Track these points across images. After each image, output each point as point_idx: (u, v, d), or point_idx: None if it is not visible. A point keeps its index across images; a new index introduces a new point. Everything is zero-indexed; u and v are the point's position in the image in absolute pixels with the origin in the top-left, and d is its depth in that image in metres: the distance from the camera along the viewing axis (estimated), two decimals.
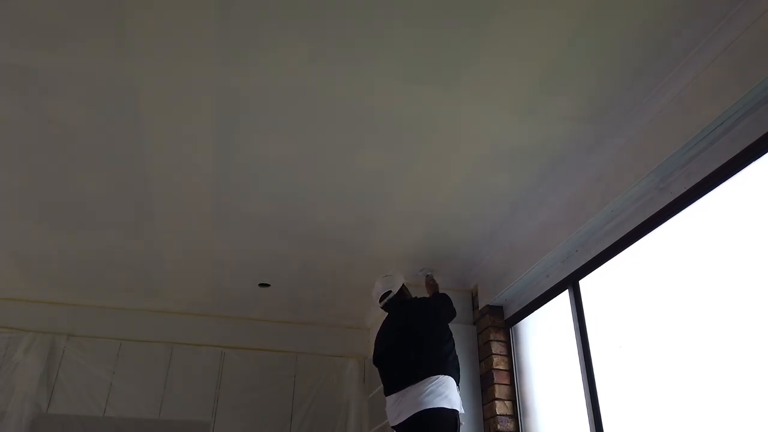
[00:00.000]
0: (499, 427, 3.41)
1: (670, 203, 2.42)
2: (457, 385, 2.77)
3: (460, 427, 2.66)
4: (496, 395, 3.51)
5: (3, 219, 3.48)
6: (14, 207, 3.34)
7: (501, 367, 3.62)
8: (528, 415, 3.43)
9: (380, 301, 3.20)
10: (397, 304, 3.14)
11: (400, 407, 2.66)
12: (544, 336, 3.42)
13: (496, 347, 3.69)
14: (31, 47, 2.21)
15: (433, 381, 2.62)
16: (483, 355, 3.75)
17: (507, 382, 3.58)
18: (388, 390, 2.80)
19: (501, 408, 3.47)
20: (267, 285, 4.39)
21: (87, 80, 2.37)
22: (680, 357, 2.32)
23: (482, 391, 3.65)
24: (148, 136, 2.72)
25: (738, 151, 2.10)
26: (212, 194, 3.18)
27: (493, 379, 3.57)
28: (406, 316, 3.03)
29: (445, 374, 2.68)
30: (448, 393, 2.62)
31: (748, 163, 2.09)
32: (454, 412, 2.61)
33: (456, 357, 2.89)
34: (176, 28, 2.12)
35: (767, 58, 1.90)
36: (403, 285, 3.22)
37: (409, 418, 2.58)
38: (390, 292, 3.15)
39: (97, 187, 3.12)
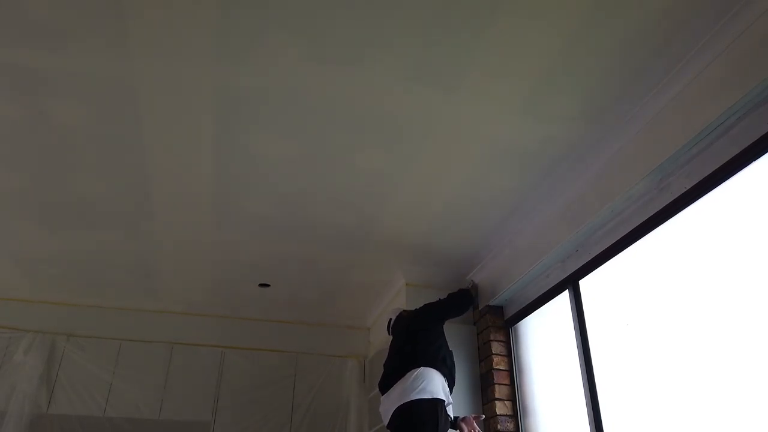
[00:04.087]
0: (499, 427, 3.41)
1: (670, 203, 2.42)
2: (446, 376, 2.79)
3: (447, 411, 2.67)
4: (496, 395, 3.51)
5: (3, 219, 3.49)
6: (14, 207, 3.35)
7: (501, 367, 3.62)
8: (528, 415, 3.42)
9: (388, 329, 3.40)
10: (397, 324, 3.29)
11: (385, 407, 2.69)
12: (544, 336, 3.42)
13: (496, 347, 3.69)
14: (31, 47, 2.21)
15: (408, 376, 2.64)
16: (483, 355, 3.75)
17: (507, 382, 3.58)
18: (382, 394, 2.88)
19: (501, 408, 3.47)
20: (267, 285, 4.40)
21: (87, 80, 2.37)
22: (680, 355, 2.32)
23: (482, 391, 3.65)
24: (148, 136, 2.72)
25: (738, 151, 2.09)
26: (212, 194, 3.19)
27: (493, 379, 3.57)
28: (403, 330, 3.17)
29: (422, 366, 2.68)
30: (425, 385, 2.61)
31: (748, 163, 2.09)
32: (435, 401, 2.59)
33: (440, 349, 2.92)
34: (176, 29, 2.13)
35: (767, 58, 1.90)
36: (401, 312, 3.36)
37: (391, 415, 2.60)
38: (390, 319, 3.38)
39: (97, 187, 3.12)
